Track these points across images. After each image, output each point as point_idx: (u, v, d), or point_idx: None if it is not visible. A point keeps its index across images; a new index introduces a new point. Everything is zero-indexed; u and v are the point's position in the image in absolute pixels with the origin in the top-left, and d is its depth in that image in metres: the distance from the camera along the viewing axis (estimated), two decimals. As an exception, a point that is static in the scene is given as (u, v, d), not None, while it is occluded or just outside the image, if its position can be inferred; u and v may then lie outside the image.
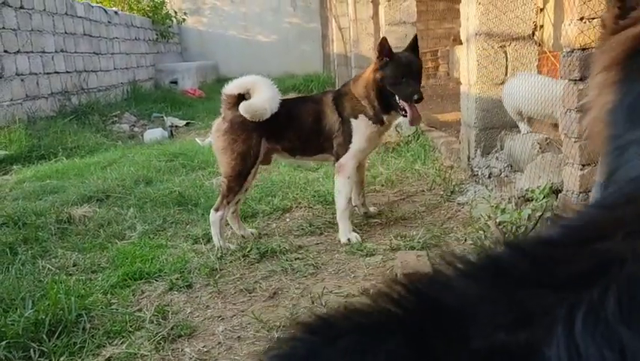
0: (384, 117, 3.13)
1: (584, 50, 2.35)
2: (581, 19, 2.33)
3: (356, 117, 3.11)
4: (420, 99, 2.99)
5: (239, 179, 3.06)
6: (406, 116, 3.04)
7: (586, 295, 0.39)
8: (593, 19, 2.30)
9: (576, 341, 0.37)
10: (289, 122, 3.15)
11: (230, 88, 3.07)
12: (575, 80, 2.40)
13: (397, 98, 3.01)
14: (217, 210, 3.10)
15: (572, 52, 2.39)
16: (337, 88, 3.38)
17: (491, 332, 0.38)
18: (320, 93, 3.44)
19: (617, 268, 0.41)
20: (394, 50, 3.13)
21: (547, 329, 0.38)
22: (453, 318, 0.40)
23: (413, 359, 0.38)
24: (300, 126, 3.18)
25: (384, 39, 3.10)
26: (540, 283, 0.42)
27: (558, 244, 0.47)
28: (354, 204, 3.44)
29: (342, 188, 3.17)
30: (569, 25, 2.39)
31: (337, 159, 3.16)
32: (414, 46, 3.17)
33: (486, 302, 0.41)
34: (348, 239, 3.08)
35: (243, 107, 2.99)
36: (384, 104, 3.06)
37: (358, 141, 3.11)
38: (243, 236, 3.27)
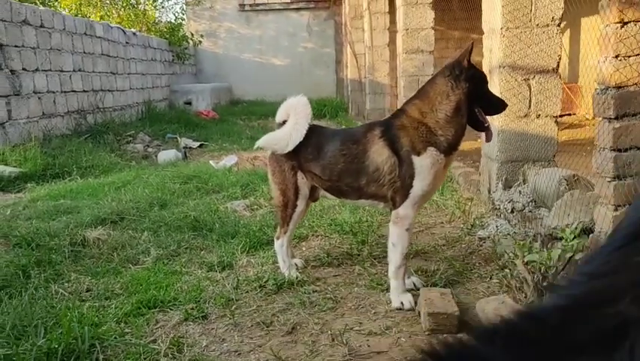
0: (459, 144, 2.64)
1: (619, 88, 2.28)
2: (617, 56, 2.27)
3: (420, 153, 2.55)
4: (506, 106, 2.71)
5: (286, 210, 3.00)
6: (485, 130, 2.64)
7: (615, 357, 0.41)
8: (630, 57, 2.25)
9: None
10: (319, 158, 2.83)
11: (278, 115, 2.98)
12: (610, 118, 2.33)
13: (481, 113, 2.60)
14: (277, 238, 3.08)
15: (607, 90, 2.33)
16: (385, 119, 2.83)
17: None
18: (363, 127, 2.87)
19: (635, 329, 0.43)
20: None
21: None
22: None
23: None
24: (331, 166, 2.79)
25: (472, 44, 2.52)
26: (566, 348, 0.43)
27: (568, 309, 0.48)
28: None
29: (398, 241, 2.67)
30: (604, 62, 2.33)
31: (395, 207, 2.68)
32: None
33: None
34: (402, 303, 2.59)
35: (259, 142, 2.98)
36: (471, 123, 2.61)
37: (422, 182, 2.57)
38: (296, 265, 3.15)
